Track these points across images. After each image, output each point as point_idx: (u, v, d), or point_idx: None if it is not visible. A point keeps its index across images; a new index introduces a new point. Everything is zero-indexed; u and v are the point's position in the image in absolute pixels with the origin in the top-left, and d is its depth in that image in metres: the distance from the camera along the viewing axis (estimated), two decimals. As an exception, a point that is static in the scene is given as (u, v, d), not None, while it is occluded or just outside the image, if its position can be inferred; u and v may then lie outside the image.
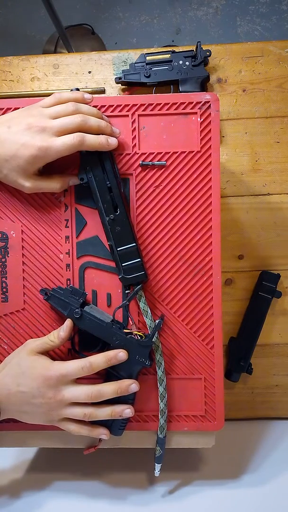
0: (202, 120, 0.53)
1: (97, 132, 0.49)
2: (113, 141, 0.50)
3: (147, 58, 0.70)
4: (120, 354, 0.50)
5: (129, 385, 0.50)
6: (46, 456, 0.70)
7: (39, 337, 0.54)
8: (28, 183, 0.50)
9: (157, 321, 0.51)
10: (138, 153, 0.53)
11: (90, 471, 0.65)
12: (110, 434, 0.52)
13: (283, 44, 0.72)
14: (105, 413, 0.50)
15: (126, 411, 0.50)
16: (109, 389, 0.49)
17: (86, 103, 0.51)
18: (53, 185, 0.51)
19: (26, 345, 0.51)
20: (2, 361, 0.52)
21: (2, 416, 0.50)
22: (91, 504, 0.59)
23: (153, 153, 0.53)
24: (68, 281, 0.54)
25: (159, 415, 0.53)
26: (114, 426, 0.52)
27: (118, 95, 0.73)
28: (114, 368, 0.51)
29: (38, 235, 0.54)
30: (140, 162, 0.53)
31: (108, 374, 0.52)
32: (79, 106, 0.49)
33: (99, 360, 0.49)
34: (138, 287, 0.52)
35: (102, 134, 0.50)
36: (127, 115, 0.53)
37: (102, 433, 0.51)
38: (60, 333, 0.51)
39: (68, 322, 0.51)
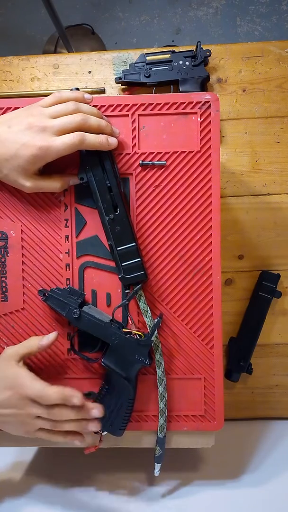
0: (202, 120, 0.53)
1: (97, 131, 0.49)
2: (113, 141, 0.50)
3: (147, 58, 0.70)
4: (93, 411, 0.49)
5: (91, 410, 0.49)
6: (46, 456, 0.70)
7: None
8: (28, 183, 0.50)
9: (156, 320, 0.51)
10: (138, 153, 0.53)
11: (90, 471, 0.65)
12: (112, 435, 0.52)
13: (283, 44, 0.72)
14: (71, 425, 0.49)
15: (91, 425, 0.50)
16: (69, 414, 0.48)
17: (86, 103, 0.50)
18: (53, 184, 0.51)
19: (4, 353, 0.51)
20: None
21: None
22: (91, 503, 0.59)
23: (153, 153, 0.53)
24: (68, 281, 0.54)
25: (159, 415, 0.53)
26: (114, 426, 0.52)
27: (118, 95, 0.73)
28: (114, 367, 0.51)
29: (38, 235, 0.54)
30: (140, 162, 0.53)
31: (108, 374, 0.52)
32: (79, 106, 0.49)
33: (75, 400, 0.48)
34: (138, 286, 0.52)
35: (102, 134, 0.50)
36: (127, 115, 0.53)
37: (76, 439, 0.51)
38: (42, 342, 0.50)
39: (53, 334, 0.51)
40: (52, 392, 0.47)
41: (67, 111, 0.49)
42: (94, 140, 0.48)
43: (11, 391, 0.48)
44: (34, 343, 0.51)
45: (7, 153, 0.48)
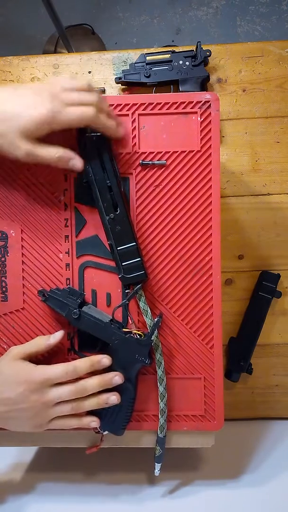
0: (202, 119, 0.53)
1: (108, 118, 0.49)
2: (120, 130, 0.50)
3: (147, 58, 0.70)
4: (103, 360, 0.50)
5: (112, 378, 0.50)
6: (46, 456, 0.70)
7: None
8: (25, 145, 0.46)
9: (155, 319, 0.51)
10: (138, 153, 0.53)
11: (90, 471, 0.65)
12: (114, 434, 0.52)
13: (283, 44, 0.72)
14: (92, 402, 0.50)
15: (112, 398, 0.50)
16: (93, 382, 0.49)
17: None
18: (51, 152, 0.47)
19: (9, 352, 0.51)
20: None
21: None
22: (92, 503, 0.59)
23: (153, 152, 0.53)
24: (68, 281, 0.54)
25: (159, 414, 0.53)
26: (116, 425, 0.52)
27: (118, 95, 0.73)
28: (114, 367, 0.51)
29: (38, 234, 0.54)
30: (140, 162, 0.53)
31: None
32: (95, 91, 0.49)
33: (83, 364, 0.49)
34: (138, 286, 0.52)
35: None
36: (127, 115, 0.53)
37: (92, 420, 0.51)
38: (50, 341, 0.51)
39: (60, 333, 0.51)
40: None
41: (83, 88, 0.48)
42: (105, 120, 0.48)
43: (24, 385, 0.47)
44: (41, 342, 0.51)
45: (10, 111, 0.45)
